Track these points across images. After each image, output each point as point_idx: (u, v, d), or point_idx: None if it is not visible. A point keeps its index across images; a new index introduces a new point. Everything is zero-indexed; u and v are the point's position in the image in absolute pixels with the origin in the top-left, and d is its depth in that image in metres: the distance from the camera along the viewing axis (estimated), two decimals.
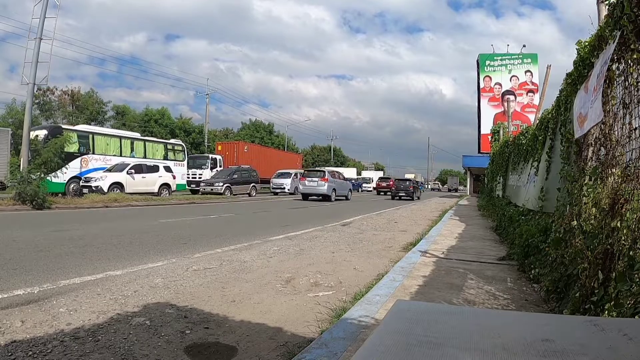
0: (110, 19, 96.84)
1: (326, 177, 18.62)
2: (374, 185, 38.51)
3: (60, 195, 13.70)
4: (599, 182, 2.53)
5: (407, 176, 44.11)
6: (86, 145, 15.95)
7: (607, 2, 2.47)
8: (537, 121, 6.42)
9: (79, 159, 15.48)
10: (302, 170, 26.04)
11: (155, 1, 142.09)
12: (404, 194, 24.12)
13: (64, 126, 17.16)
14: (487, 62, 31.75)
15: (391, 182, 29.00)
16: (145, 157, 18.21)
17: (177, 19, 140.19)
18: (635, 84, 2.07)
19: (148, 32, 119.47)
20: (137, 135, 20.13)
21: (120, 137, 17.90)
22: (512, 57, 31.72)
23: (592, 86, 2.71)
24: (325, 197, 18.70)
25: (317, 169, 24.91)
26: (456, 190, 62.22)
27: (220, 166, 23.81)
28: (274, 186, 24.90)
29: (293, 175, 25.43)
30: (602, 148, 2.61)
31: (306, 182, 18.81)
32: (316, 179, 18.64)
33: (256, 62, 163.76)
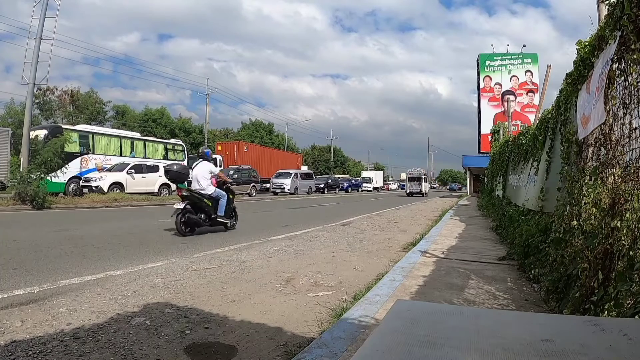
0: (102, 19, 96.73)
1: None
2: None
3: (60, 195, 13.69)
4: (599, 182, 2.52)
5: (403, 176, 42.88)
6: (86, 145, 15.95)
7: (607, 2, 2.47)
8: (537, 121, 6.41)
9: (79, 158, 15.48)
10: (300, 170, 27.25)
11: (146, 0, 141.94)
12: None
13: (64, 126, 17.14)
14: (487, 62, 31.71)
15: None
16: (145, 157, 18.19)
17: (169, 18, 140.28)
18: (635, 84, 2.07)
19: (141, 32, 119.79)
20: (137, 135, 20.12)
21: (120, 137, 17.89)
22: (512, 57, 31.68)
23: (594, 87, 2.70)
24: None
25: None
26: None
27: (220, 166, 23.79)
28: (274, 186, 24.88)
29: (293, 175, 25.43)
30: (602, 148, 2.60)
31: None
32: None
33: (250, 62, 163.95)
